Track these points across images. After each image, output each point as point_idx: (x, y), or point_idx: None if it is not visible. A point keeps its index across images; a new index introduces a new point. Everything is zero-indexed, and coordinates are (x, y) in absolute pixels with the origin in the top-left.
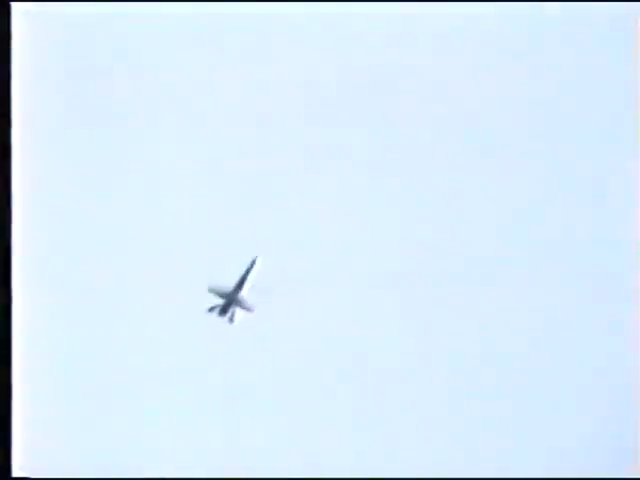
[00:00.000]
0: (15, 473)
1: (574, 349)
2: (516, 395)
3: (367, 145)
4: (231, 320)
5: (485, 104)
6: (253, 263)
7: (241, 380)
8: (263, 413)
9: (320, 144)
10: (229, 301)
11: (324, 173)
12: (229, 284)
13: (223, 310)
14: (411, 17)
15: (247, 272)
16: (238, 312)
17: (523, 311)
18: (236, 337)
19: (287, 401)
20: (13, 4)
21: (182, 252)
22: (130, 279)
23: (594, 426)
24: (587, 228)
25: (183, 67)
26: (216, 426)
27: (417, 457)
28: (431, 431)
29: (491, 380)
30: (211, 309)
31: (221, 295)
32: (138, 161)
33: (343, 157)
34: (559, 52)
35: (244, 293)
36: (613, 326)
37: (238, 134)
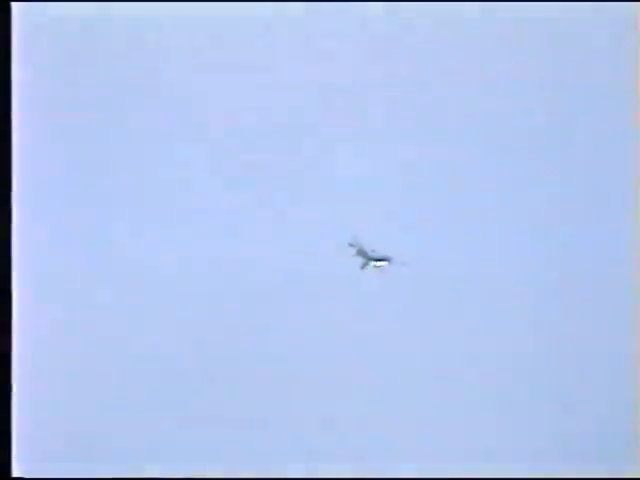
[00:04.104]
0: (15, 473)
1: (573, 348)
2: (516, 394)
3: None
4: (363, 268)
5: (485, 104)
6: (383, 259)
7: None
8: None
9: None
10: (365, 256)
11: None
12: (368, 250)
13: (361, 255)
14: (411, 14)
15: (379, 259)
16: (371, 267)
17: (522, 310)
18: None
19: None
20: (13, 4)
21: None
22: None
23: (594, 426)
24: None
25: (184, 67)
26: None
27: (414, 454)
28: (427, 428)
29: (491, 379)
30: (356, 247)
31: (359, 249)
32: (140, 159)
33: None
34: (558, 52)
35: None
36: (613, 324)
37: (241, 132)
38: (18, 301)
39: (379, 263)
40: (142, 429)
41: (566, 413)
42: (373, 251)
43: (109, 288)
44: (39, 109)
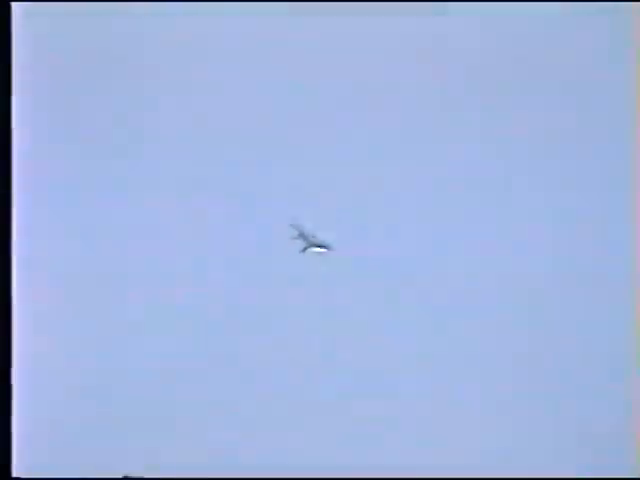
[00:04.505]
0: (15, 473)
1: (573, 347)
2: (516, 394)
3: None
4: (303, 251)
5: (485, 105)
6: (325, 245)
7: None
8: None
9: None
10: (305, 239)
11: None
12: (310, 231)
13: (301, 238)
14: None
15: (319, 245)
16: (311, 250)
17: (523, 312)
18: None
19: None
20: (13, 4)
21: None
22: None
23: (594, 426)
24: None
25: (184, 66)
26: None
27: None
28: (428, 429)
29: (493, 379)
30: (297, 230)
31: (300, 233)
32: (142, 158)
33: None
34: (559, 52)
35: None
36: (613, 323)
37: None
38: (18, 306)
39: (318, 249)
40: (142, 429)
41: (565, 412)
42: (314, 236)
43: (110, 290)
44: (39, 109)
